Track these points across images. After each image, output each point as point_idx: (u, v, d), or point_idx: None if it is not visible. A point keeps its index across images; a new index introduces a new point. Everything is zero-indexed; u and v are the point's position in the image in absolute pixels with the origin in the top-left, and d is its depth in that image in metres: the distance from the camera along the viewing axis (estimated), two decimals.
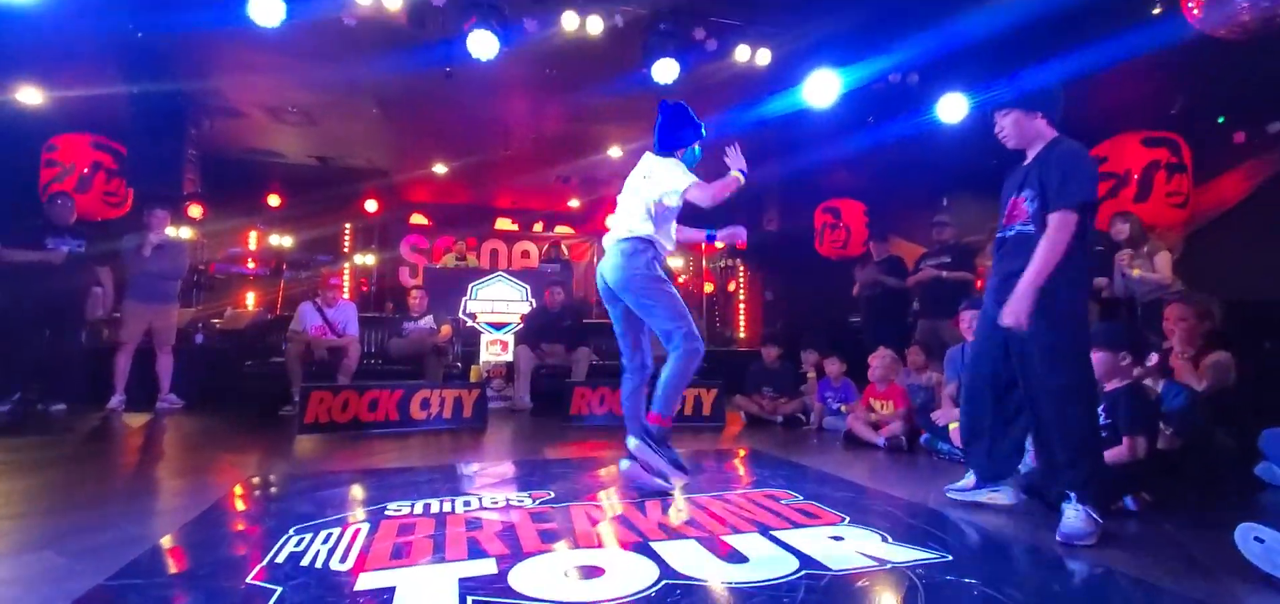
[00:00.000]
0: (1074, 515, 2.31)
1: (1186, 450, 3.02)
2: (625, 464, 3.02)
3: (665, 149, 3.02)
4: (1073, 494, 2.35)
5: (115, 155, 6.97)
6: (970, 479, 2.81)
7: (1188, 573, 2.04)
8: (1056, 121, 2.62)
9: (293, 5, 4.55)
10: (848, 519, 2.50)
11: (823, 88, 5.67)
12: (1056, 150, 2.50)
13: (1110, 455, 2.75)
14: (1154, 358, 3.46)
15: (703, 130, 3.09)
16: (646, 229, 2.94)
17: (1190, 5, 4.10)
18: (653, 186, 2.93)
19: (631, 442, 2.99)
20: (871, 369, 4.75)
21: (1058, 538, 2.30)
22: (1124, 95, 6.08)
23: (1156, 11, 4.62)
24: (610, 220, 3.11)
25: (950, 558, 2.06)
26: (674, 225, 3.10)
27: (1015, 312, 2.39)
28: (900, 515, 2.62)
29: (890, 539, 2.24)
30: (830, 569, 1.94)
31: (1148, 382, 3.22)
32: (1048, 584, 1.93)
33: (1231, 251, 5.72)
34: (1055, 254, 2.35)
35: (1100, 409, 2.88)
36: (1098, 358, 2.93)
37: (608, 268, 2.99)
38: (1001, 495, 2.72)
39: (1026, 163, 2.61)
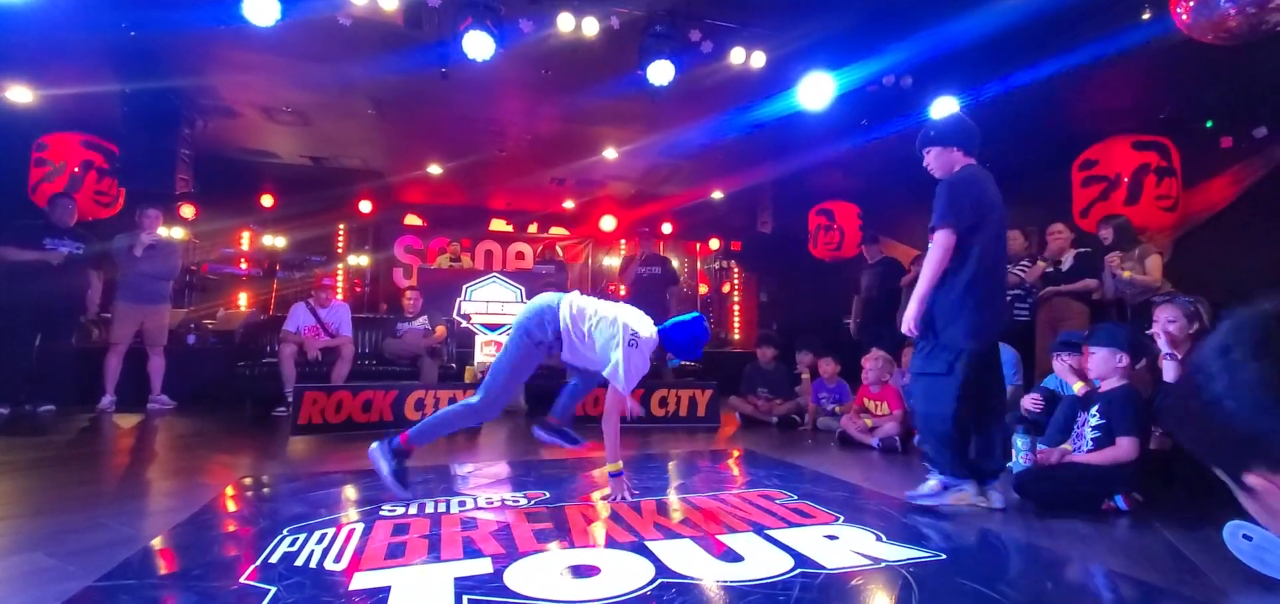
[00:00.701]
0: (932, 483, 2.78)
1: (1176, 451, 3.05)
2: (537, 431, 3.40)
3: (670, 343, 2.99)
4: (933, 469, 2.82)
5: (107, 154, 6.91)
6: (936, 482, 2.89)
7: (1178, 570, 2.06)
8: (973, 150, 2.94)
9: (288, 4, 4.52)
10: (842, 518, 2.51)
11: (817, 90, 5.69)
12: (946, 179, 2.85)
13: (1105, 455, 2.78)
14: (1144, 361, 3.48)
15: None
16: (564, 316, 2.94)
17: (1178, 10, 4.14)
18: (611, 347, 2.85)
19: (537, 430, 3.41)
20: (865, 371, 4.77)
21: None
22: (1114, 98, 6.13)
23: (1146, 16, 4.66)
24: (576, 292, 3.20)
25: (944, 557, 2.08)
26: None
27: (907, 317, 2.83)
28: (894, 515, 2.63)
29: (885, 538, 2.26)
30: (825, 568, 1.95)
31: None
32: (1041, 582, 1.94)
33: (1220, 255, 5.77)
34: (933, 269, 2.74)
35: (1095, 409, 2.91)
36: (1097, 356, 2.95)
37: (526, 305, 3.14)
38: (967, 494, 2.81)
39: None
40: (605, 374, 2.88)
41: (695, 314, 3.05)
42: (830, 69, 5.63)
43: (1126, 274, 4.80)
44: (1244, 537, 2.02)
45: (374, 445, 2.90)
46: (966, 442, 2.82)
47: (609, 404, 2.89)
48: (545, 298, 3.07)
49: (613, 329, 2.89)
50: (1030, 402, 3.57)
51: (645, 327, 2.96)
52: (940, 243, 2.73)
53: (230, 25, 4.56)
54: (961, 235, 2.72)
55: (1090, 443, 2.87)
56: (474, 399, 2.95)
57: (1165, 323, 3.51)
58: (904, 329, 2.87)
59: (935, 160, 2.99)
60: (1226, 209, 5.89)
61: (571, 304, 2.98)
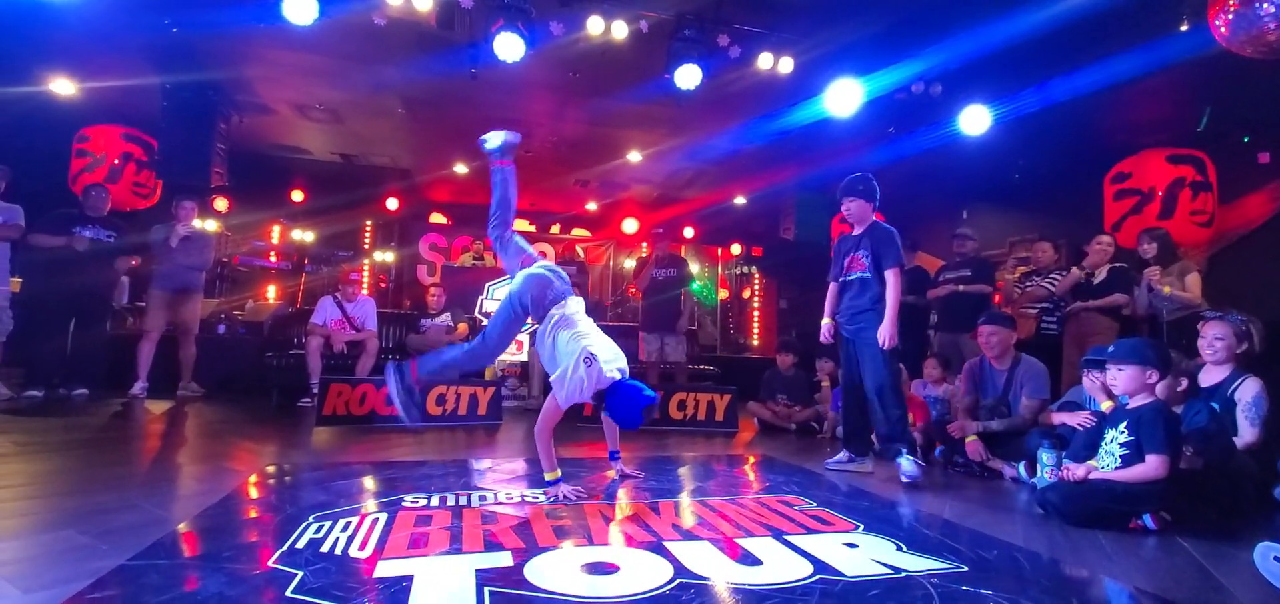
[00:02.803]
0: (909, 465, 3.46)
1: (1208, 471, 2.98)
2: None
3: (614, 396, 2.84)
4: (904, 449, 3.52)
5: (146, 147, 7.11)
6: (844, 455, 3.87)
7: (1206, 590, 2.01)
8: (877, 209, 3.88)
9: (325, 4, 4.62)
10: (862, 527, 2.49)
11: (844, 97, 5.65)
12: (882, 228, 3.79)
13: (1133, 473, 2.72)
14: (1184, 383, 3.40)
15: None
16: (570, 309, 3.07)
17: (1217, 22, 4.06)
18: (565, 357, 2.90)
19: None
20: None
21: (903, 479, 3.44)
22: (1149, 111, 6.01)
23: (1183, 27, 4.57)
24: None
25: (966, 569, 2.05)
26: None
27: (888, 334, 3.55)
28: (915, 525, 2.61)
29: (905, 548, 2.24)
30: (845, 575, 1.94)
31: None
32: (1065, 598, 1.91)
33: (1256, 272, 5.62)
34: (900, 296, 3.62)
35: (1123, 426, 2.85)
36: (1126, 373, 2.89)
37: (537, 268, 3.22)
38: (867, 465, 3.81)
39: (857, 234, 3.89)
40: (551, 379, 2.91)
41: (652, 393, 2.86)
42: (858, 75, 5.59)
43: (1167, 291, 4.69)
44: (1275, 558, 1.97)
45: (389, 366, 3.29)
46: None
47: (543, 415, 2.87)
48: (561, 279, 3.10)
49: (578, 344, 2.87)
50: (1085, 419, 3.49)
51: (609, 357, 2.85)
52: (899, 276, 3.62)
53: (269, 24, 4.67)
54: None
55: (1118, 460, 2.82)
56: (474, 343, 3.21)
57: (1212, 339, 3.42)
58: (886, 344, 3.57)
59: (857, 209, 3.82)
60: (1263, 226, 5.74)
61: (575, 308, 3.06)
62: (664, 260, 6.56)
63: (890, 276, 3.63)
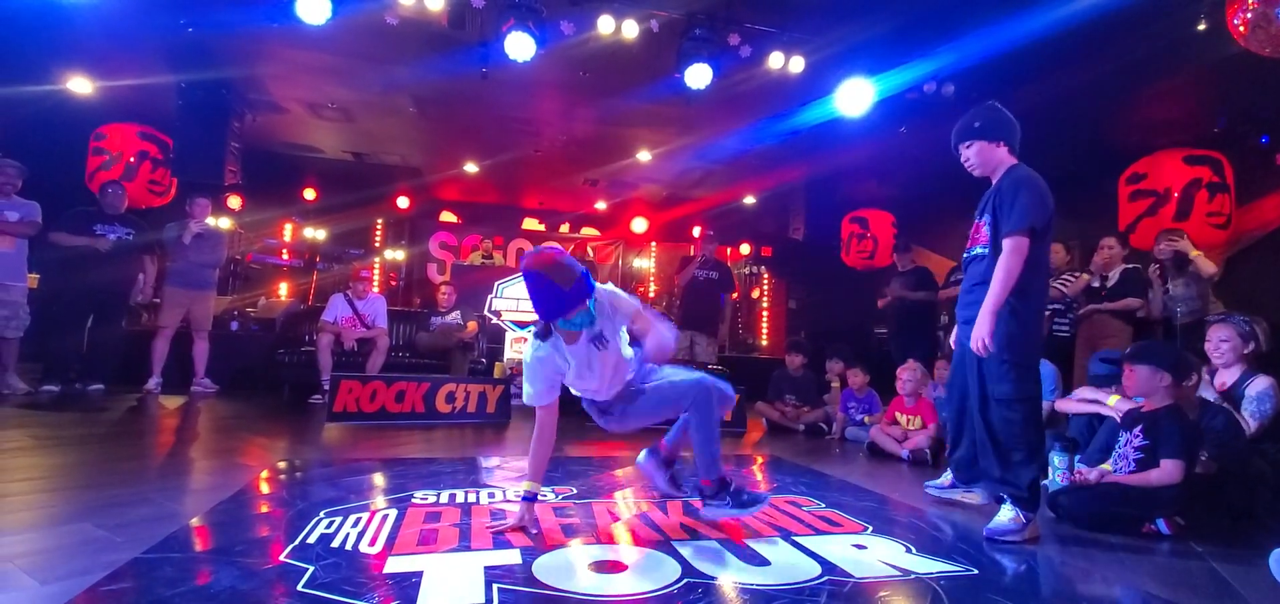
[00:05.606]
0: (1008, 515, 2.49)
1: (1223, 475, 2.94)
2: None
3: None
4: (1008, 496, 2.53)
5: (161, 145, 7.18)
6: (948, 477, 3.01)
7: (1219, 596, 1.99)
8: (1016, 149, 2.72)
9: (338, 4, 4.65)
10: (871, 528, 2.48)
11: (856, 96, 5.63)
12: (1009, 177, 2.61)
13: (1148, 478, 2.69)
14: (1193, 377, 3.37)
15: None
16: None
17: (1235, 22, 4.01)
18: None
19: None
20: (901, 382, 4.69)
21: (990, 536, 2.45)
22: (1165, 111, 5.95)
23: (1201, 27, 4.51)
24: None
25: (976, 572, 2.04)
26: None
27: (979, 336, 2.48)
28: (924, 528, 2.59)
29: (914, 550, 2.23)
30: (853, 576, 1.93)
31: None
32: (1075, 603, 1.90)
33: (1272, 274, 5.55)
34: (1010, 278, 2.45)
35: (1138, 429, 2.82)
36: (1138, 374, 2.86)
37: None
38: (975, 495, 2.97)
39: (990, 190, 2.71)
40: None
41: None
42: (870, 75, 5.56)
43: (1195, 254, 4.60)
44: None
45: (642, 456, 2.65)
46: None
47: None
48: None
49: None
50: (1091, 405, 3.45)
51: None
52: (1017, 249, 2.46)
53: (282, 23, 4.70)
54: (1034, 241, 2.50)
55: (1133, 464, 2.79)
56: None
57: (1218, 342, 3.39)
58: (977, 348, 2.52)
59: (978, 156, 2.73)
60: None
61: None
62: (708, 263, 6.59)
63: (1006, 246, 2.49)
